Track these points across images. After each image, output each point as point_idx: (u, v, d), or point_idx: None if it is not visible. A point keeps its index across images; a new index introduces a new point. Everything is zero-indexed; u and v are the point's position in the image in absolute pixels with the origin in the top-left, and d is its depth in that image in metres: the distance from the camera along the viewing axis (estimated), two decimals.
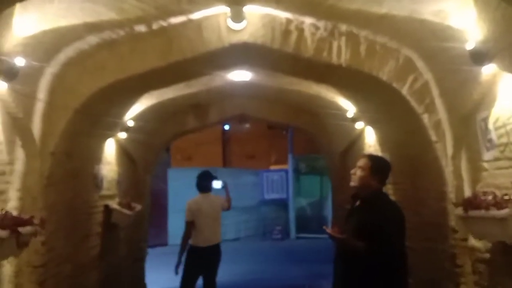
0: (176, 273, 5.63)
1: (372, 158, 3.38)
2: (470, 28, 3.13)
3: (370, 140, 5.99)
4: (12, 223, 3.04)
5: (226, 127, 17.46)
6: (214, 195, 5.98)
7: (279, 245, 14.16)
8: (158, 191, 11.83)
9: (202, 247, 5.65)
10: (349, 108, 5.97)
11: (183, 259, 5.68)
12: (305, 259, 11.33)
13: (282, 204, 15.94)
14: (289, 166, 15.95)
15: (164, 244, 13.50)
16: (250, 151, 18.85)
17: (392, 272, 2.93)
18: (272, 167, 17.73)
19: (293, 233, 15.37)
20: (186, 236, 5.73)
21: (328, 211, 14.86)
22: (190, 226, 5.71)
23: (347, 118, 6.04)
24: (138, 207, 6.50)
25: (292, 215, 15.51)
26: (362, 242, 2.88)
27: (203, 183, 5.91)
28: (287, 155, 16.23)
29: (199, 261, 5.65)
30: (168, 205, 13.94)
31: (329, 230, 2.95)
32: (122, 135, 6.01)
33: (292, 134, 15.60)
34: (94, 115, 4.51)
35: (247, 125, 14.70)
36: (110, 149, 5.92)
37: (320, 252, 11.74)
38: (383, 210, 3.04)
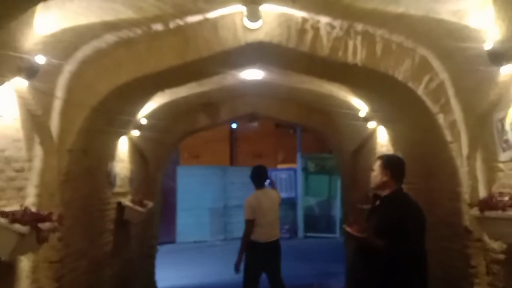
0: (237, 271, 5.49)
1: (382, 156, 3.49)
2: (488, 27, 3.12)
3: (383, 139, 5.98)
4: (32, 219, 3.09)
5: (234, 125, 17.48)
6: (271, 189, 5.87)
7: (287, 244, 14.02)
8: (167, 189, 11.88)
9: (263, 242, 5.49)
10: (362, 107, 5.96)
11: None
12: (313, 258, 11.34)
13: (290, 203, 15.92)
14: (297, 165, 15.95)
15: (172, 241, 13.56)
16: (258, 149, 18.86)
17: (411, 270, 2.94)
18: (279, 166, 17.73)
19: (301, 232, 15.37)
20: (247, 234, 5.51)
21: (337, 211, 14.85)
22: (251, 224, 5.50)
23: (359, 117, 6.04)
24: (150, 204, 6.55)
25: (300, 214, 15.51)
26: (382, 240, 2.89)
27: (260, 178, 5.74)
28: (295, 154, 16.22)
29: (261, 257, 5.51)
30: (176, 202, 14.00)
31: (349, 229, 2.98)
32: (135, 133, 6.06)
33: (301, 133, 15.60)
34: (110, 113, 4.56)
35: (255, 124, 14.71)
36: (123, 146, 5.97)
37: (328, 251, 11.77)
38: (401, 209, 3.06)
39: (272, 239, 5.58)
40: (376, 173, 3.23)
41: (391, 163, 3.29)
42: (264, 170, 5.83)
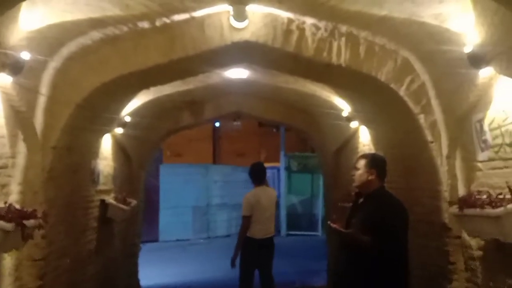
0: (233, 266, 5.61)
1: (365, 155, 3.56)
2: (468, 31, 3.22)
3: (365, 139, 6.08)
4: (16, 215, 3.06)
5: (217, 124, 17.46)
6: (269, 187, 5.97)
7: None
8: (150, 187, 11.83)
9: (258, 239, 5.59)
10: (344, 107, 6.05)
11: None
12: (296, 256, 11.42)
13: None
14: (280, 164, 16.04)
15: (155, 240, 13.51)
16: (241, 148, 18.90)
17: (395, 268, 3.02)
18: None
19: (283, 230, 15.47)
20: (244, 230, 5.61)
21: (319, 209, 15.01)
22: (248, 220, 5.59)
23: (342, 117, 6.13)
24: (133, 202, 6.53)
25: (283, 212, 15.61)
26: (367, 236, 2.96)
27: (259, 175, 5.84)
28: (278, 153, 16.30)
29: (256, 253, 5.61)
30: (159, 201, 13.94)
31: (334, 225, 3.04)
32: (119, 130, 6.03)
33: (284, 132, 15.68)
34: (94, 110, 4.53)
35: (239, 123, 14.73)
36: (106, 144, 5.94)
37: (310, 249, 11.87)
38: (386, 206, 3.14)
39: (267, 236, 5.69)
40: (362, 172, 3.30)
41: (377, 162, 3.37)
42: (262, 168, 5.94)
